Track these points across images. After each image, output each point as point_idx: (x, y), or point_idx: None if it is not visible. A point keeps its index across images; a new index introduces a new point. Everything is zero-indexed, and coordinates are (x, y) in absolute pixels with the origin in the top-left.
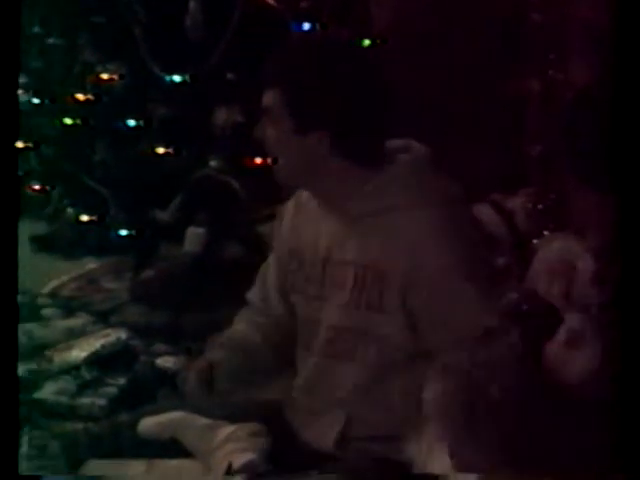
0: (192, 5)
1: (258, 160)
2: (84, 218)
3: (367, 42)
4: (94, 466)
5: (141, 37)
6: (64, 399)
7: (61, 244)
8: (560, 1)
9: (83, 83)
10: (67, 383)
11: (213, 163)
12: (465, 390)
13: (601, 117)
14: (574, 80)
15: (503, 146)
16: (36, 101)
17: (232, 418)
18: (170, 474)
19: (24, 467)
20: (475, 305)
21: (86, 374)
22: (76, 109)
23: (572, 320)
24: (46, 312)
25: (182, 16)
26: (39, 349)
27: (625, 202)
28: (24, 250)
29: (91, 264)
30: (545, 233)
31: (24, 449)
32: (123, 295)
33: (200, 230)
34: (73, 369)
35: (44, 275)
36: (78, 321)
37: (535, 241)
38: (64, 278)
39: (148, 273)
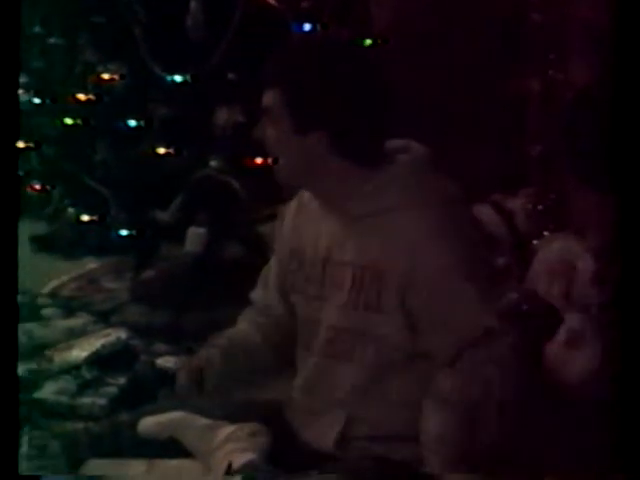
0: (193, 5)
1: (259, 160)
2: (85, 218)
3: (368, 42)
4: (94, 466)
5: (142, 37)
6: (64, 399)
7: (61, 244)
8: (560, 1)
9: (84, 83)
10: (67, 383)
11: (214, 163)
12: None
13: (601, 117)
14: (574, 80)
15: (503, 146)
16: (37, 101)
17: (232, 418)
18: (170, 474)
19: (24, 467)
20: (474, 305)
21: (86, 374)
22: (77, 109)
23: (572, 320)
24: (46, 312)
25: (183, 16)
26: (39, 349)
27: (625, 202)
28: (24, 250)
29: (91, 264)
30: (545, 233)
31: (24, 449)
32: (123, 295)
33: (201, 230)
34: (73, 369)
35: (44, 275)
36: (78, 321)
37: (535, 242)
38: (64, 278)
39: (149, 273)
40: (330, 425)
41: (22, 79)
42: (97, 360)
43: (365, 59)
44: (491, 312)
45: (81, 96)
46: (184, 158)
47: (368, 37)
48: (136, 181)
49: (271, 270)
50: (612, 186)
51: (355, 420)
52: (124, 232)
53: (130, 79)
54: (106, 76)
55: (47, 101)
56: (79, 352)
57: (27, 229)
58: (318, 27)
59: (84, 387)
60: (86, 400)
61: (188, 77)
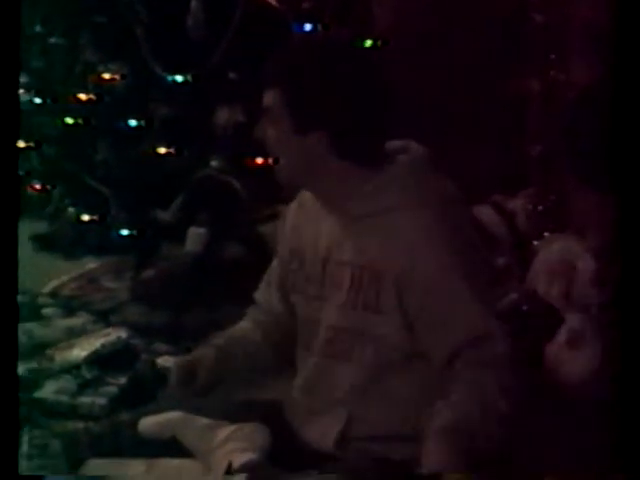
0: (194, 5)
1: (259, 160)
2: (85, 218)
3: (368, 43)
4: (94, 465)
5: (143, 37)
6: (64, 398)
7: (62, 243)
8: (561, 1)
9: (85, 83)
10: (67, 382)
11: (214, 163)
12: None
13: (601, 117)
14: (575, 80)
15: (503, 146)
16: (38, 101)
17: (232, 418)
18: (170, 474)
19: (24, 466)
20: (473, 306)
21: (86, 373)
22: (78, 109)
23: (572, 320)
24: (47, 311)
25: (184, 16)
26: (39, 348)
27: (625, 202)
28: (25, 249)
29: (92, 264)
30: (545, 234)
31: (24, 448)
32: (124, 295)
33: (201, 230)
34: (74, 368)
35: (45, 274)
36: (78, 320)
37: (535, 242)
38: (65, 277)
39: (149, 273)
40: (330, 425)
41: (23, 79)
42: (97, 360)
43: (365, 59)
44: (490, 313)
45: (82, 96)
46: (185, 158)
47: (369, 38)
48: (137, 181)
49: (274, 270)
50: (612, 186)
51: (355, 420)
52: (124, 232)
53: (131, 79)
54: (107, 76)
55: (48, 101)
56: (79, 351)
57: (27, 229)
58: (319, 27)
59: (84, 387)
60: (86, 400)
61: (189, 77)
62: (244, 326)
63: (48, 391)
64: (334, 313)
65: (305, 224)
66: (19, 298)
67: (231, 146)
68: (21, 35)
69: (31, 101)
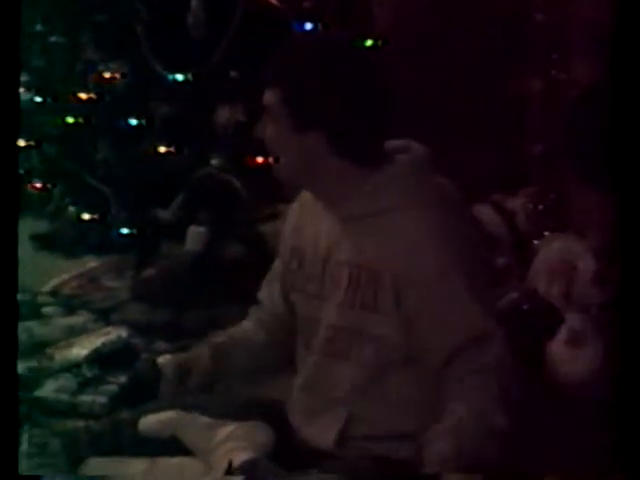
0: (194, 3)
1: (260, 159)
2: (85, 216)
3: (369, 42)
4: (95, 464)
5: (143, 35)
6: (65, 397)
7: (62, 242)
8: (562, 1)
9: (85, 82)
10: (68, 381)
11: (215, 162)
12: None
13: (602, 117)
14: (576, 80)
15: (503, 146)
16: (38, 99)
17: (232, 416)
18: (171, 472)
19: (24, 465)
20: (473, 306)
21: (87, 372)
22: (78, 107)
23: (572, 320)
24: (47, 310)
25: (184, 14)
26: (40, 347)
27: (626, 202)
28: (25, 248)
29: (92, 262)
30: (546, 233)
31: (24, 447)
32: (124, 293)
33: (201, 229)
34: (74, 367)
35: (45, 273)
36: (79, 319)
37: (536, 241)
38: (65, 276)
39: (149, 272)
40: (330, 424)
41: (23, 77)
42: (97, 358)
43: (365, 59)
44: (490, 313)
45: (82, 95)
46: (185, 157)
47: (369, 37)
48: (137, 180)
49: (276, 269)
50: (613, 186)
51: (355, 419)
52: (125, 231)
53: (131, 78)
54: (107, 75)
55: (48, 99)
56: (79, 350)
57: (28, 227)
58: (319, 27)
59: (84, 385)
60: (86, 398)
61: (189, 76)
62: (246, 326)
63: (48, 390)
64: (333, 312)
65: (305, 224)
66: (19, 297)
67: (231, 145)
68: (21, 34)
69: (31, 100)
